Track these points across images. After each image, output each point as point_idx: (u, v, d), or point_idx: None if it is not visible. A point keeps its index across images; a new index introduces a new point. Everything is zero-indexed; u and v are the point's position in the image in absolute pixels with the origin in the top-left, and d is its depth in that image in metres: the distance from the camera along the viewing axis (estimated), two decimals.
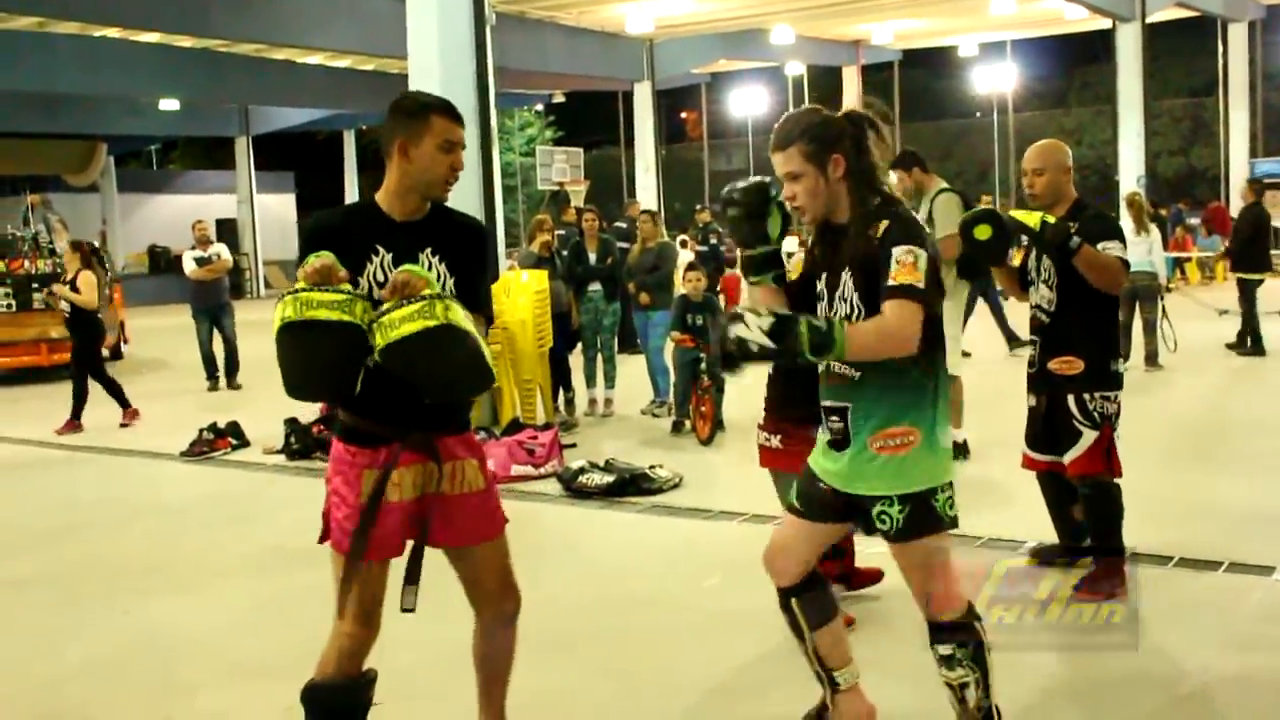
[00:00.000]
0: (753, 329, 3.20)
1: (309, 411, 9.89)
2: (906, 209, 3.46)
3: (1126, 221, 11.60)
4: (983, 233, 4.98)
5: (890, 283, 3.23)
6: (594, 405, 11.15)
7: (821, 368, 3.47)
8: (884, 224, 3.35)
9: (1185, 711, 4.11)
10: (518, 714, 3.86)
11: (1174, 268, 20.95)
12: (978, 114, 45.21)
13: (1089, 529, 5.31)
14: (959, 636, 3.46)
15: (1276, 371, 12.20)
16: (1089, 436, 5.12)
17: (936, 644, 3.49)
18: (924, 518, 3.41)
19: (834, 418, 3.47)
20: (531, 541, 7.00)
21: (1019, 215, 5.11)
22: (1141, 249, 10.74)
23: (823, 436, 3.56)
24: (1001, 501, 7.06)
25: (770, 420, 5.05)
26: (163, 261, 37.40)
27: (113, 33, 24.77)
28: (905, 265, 3.23)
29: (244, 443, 10.05)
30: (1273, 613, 5.15)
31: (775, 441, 4.97)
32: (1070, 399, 5.15)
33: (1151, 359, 11.59)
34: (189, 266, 14.02)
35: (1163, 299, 11.62)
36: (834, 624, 3.70)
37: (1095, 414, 5.11)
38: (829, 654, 3.68)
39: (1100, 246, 5.04)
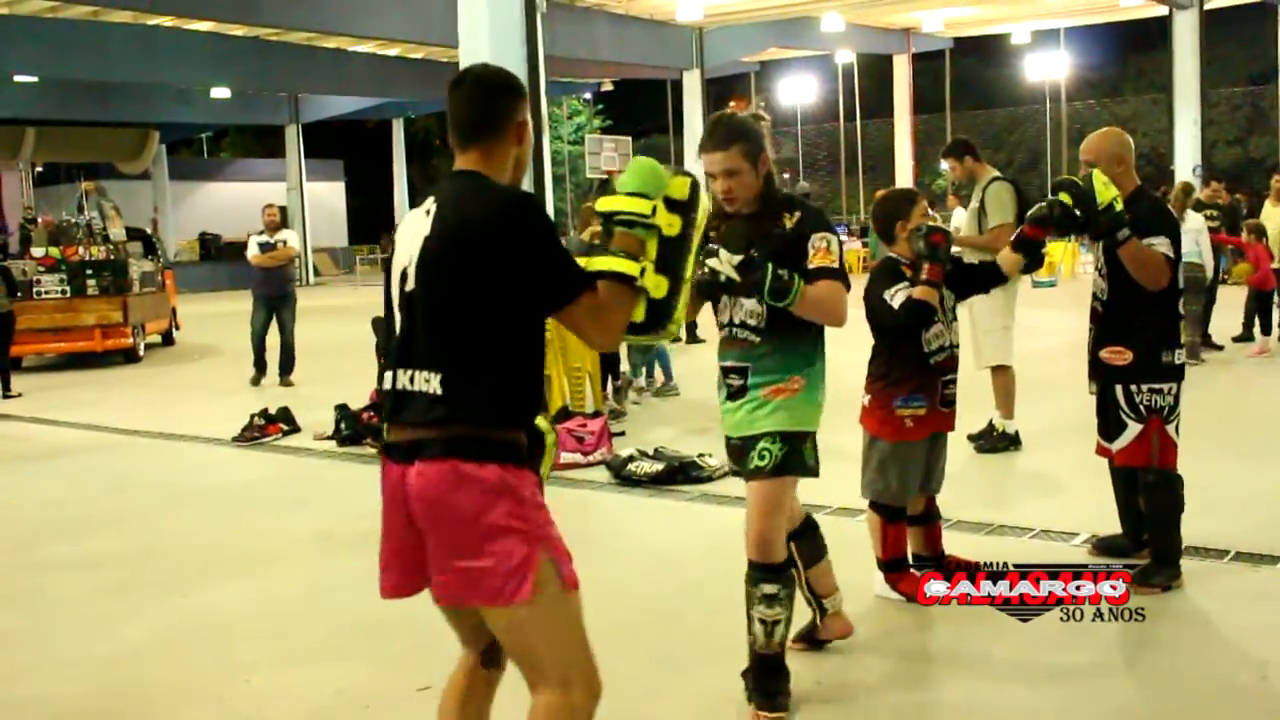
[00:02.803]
0: (723, 262, 3.76)
1: (359, 398, 9.97)
2: (810, 203, 4.11)
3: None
4: (1067, 198, 4.93)
5: (813, 265, 3.84)
6: (642, 391, 11.35)
7: (725, 334, 4.07)
8: (797, 214, 3.93)
9: (1242, 705, 4.06)
10: None
11: (1231, 259, 20.64)
12: (1032, 104, 44.69)
13: (1147, 520, 5.25)
14: (783, 578, 3.96)
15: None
16: (1133, 429, 5.06)
17: (762, 583, 3.94)
18: (795, 459, 3.93)
19: (734, 376, 4.04)
20: (580, 529, 7.03)
21: (1099, 183, 4.95)
22: (1187, 240, 10.67)
23: (721, 393, 4.11)
24: (1053, 492, 7.00)
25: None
26: (213, 248, 37.81)
27: (165, 21, 25.05)
28: (821, 250, 3.85)
29: (295, 428, 10.13)
30: None
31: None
32: (1118, 389, 5.10)
33: (1192, 352, 11.45)
34: (252, 251, 13.25)
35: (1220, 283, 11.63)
36: (823, 562, 4.40)
37: (1141, 406, 5.04)
38: (818, 584, 4.41)
39: (1145, 242, 4.97)
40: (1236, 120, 42.21)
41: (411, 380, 2.77)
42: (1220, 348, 12.67)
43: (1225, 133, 41.04)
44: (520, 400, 2.80)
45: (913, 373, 4.92)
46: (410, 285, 2.80)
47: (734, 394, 4.06)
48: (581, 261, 2.80)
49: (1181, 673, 4.28)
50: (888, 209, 5.10)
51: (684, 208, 2.91)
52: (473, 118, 2.89)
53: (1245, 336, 12.98)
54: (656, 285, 2.83)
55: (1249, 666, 4.32)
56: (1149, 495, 5.15)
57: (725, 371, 4.09)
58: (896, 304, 4.78)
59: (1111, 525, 5.60)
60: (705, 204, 3.01)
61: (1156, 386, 5.04)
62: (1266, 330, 12.73)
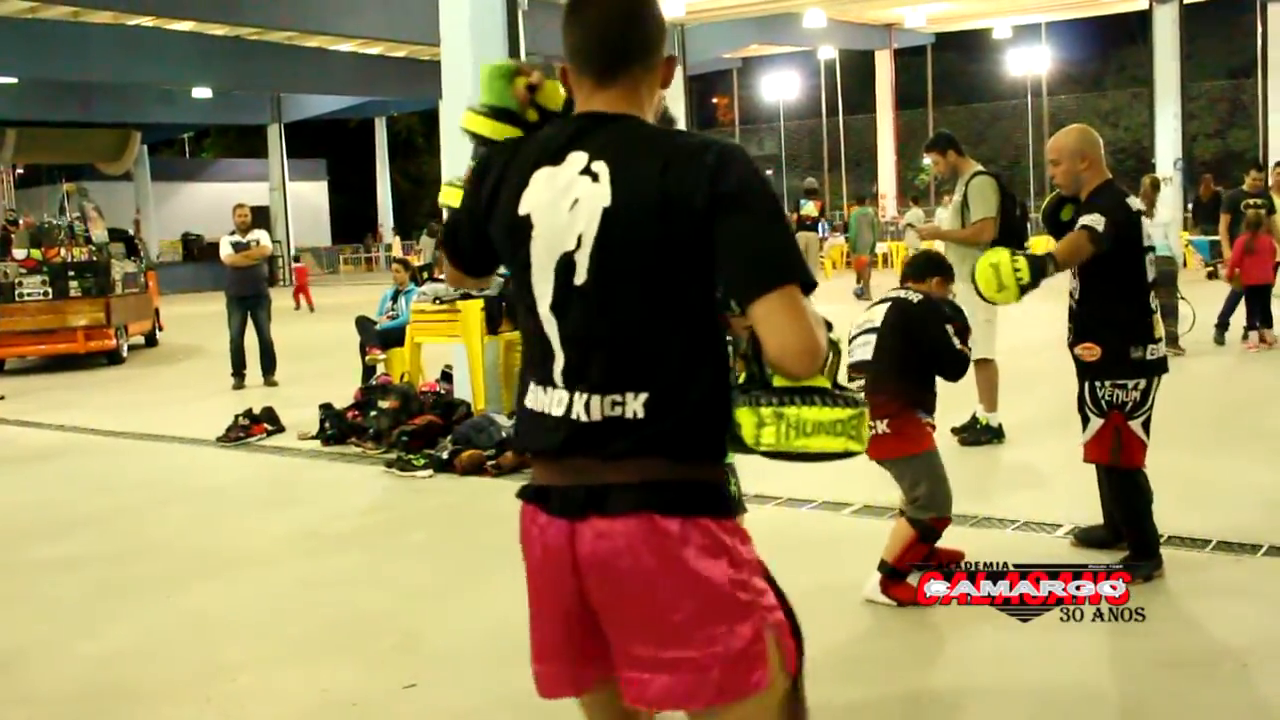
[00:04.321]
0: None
1: (343, 397, 9.96)
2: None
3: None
4: (1067, 214, 5.06)
5: None
6: None
7: None
8: None
9: (1225, 695, 4.09)
10: None
11: (1213, 252, 20.69)
12: (1014, 98, 44.83)
13: (1118, 515, 5.31)
14: None
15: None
16: (1095, 424, 5.14)
17: None
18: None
19: None
20: None
21: (1034, 247, 5.20)
22: (1156, 233, 10.70)
23: None
24: (1036, 484, 7.04)
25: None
26: (196, 249, 37.70)
27: (146, 21, 24.95)
28: None
29: (279, 428, 10.11)
30: None
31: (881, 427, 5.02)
32: (1085, 385, 5.18)
33: (1172, 341, 11.48)
34: (225, 251, 13.16)
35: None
36: None
37: (1103, 401, 5.10)
38: None
39: (1081, 221, 5.04)
40: (1217, 113, 42.40)
41: (588, 407, 2.11)
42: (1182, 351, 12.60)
43: (1205, 126, 41.23)
44: (723, 423, 2.15)
45: (931, 391, 5.11)
46: (581, 277, 2.12)
47: None
48: None
49: (1162, 663, 4.30)
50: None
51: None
52: (620, 42, 2.20)
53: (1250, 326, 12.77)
54: None
55: (1230, 656, 4.35)
56: (1114, 493, 5.25)
57: None
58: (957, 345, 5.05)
59: (1094, 517, 5.64)
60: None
61: (1121, 382, 5.08)
62: (1269, 323, 12.53)
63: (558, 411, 2.15)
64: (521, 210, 2.17)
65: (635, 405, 2.08)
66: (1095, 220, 5.03)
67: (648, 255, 2.07)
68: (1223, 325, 12.69)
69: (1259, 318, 12.52)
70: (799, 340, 2.03)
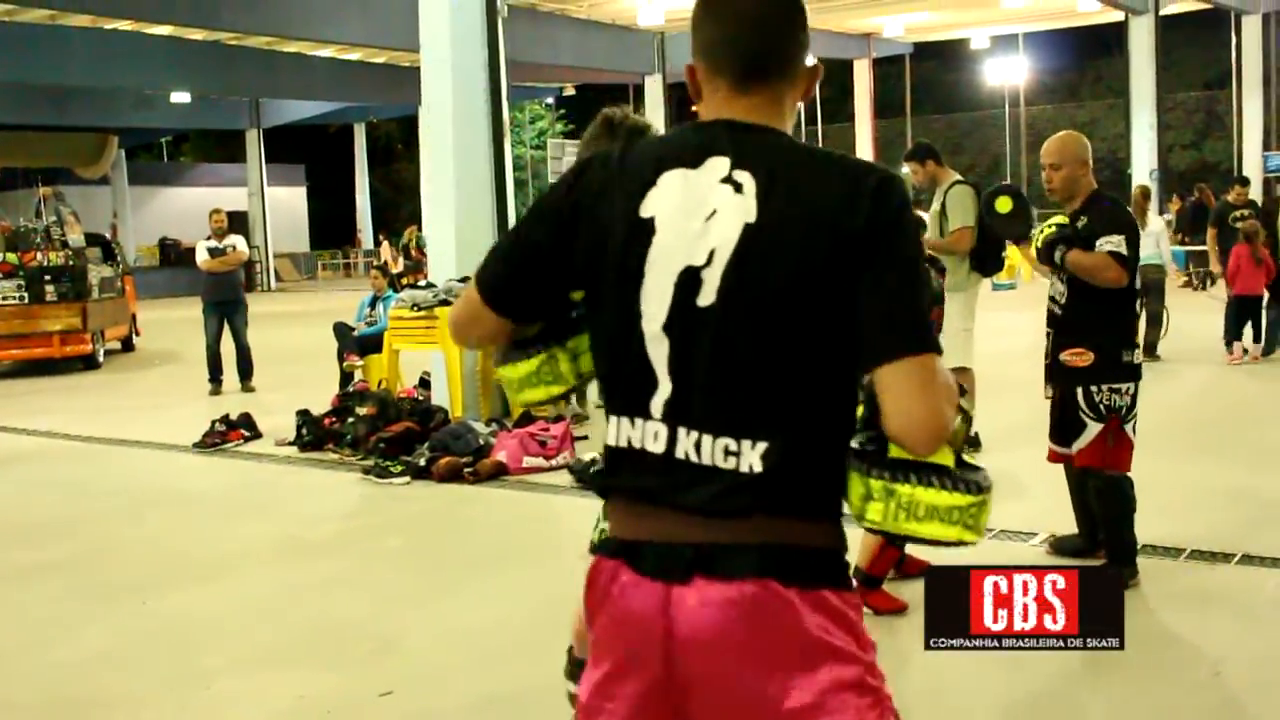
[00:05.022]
0: None
1: (320, 403, 9.94)
2: None
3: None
4: (1004, 205, 5.04)
5: None
6: None
7: None
8: None
9: (1199, 702, 4.12)
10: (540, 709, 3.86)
11: (1186, 261, 20.84)
12: (991, 108, 45.05)
13: (1100, 520, 5.32)
14: None
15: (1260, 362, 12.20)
16: (1093, 429, 5.15)
17: None
18: None
19: None
20: (543, 534, 7.04)
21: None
22: (1148, 242, 10.81)
23: None
24: (1013, 492, 7.04)
25: None
26: (173, 254, 37.56)
27: (124, 25, 24.85)
28: None
29: (256, 434, 10.07)
30: None
31: None
32: (1079, 391, 5.18)
33: (1150, 350, 11.54)
34: (201, 257, 13.05)
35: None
36: None
37: (1101, 406, 5.13)
38: None
39: (1099, 242, 5.06)
40: (1193, 124, 42.72)
41: (698, 447, 1.81)
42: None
43: (1181, 137, 41.51)
44: (843, 482, 1.87)
45: None
46: (708, 297, 1.82)
47: None
48: None
49: (1136, 670, 4.32)
50: None
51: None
52: (773, 40, 1.94)
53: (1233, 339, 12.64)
54: None
55: (1203, 663, 4.38)
56: (1100, 496, 5.24)
57: None
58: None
59: (1069, 525, 5.67)
60: None
61: (1116, 386, 5.12)
62: (1257, 338, 12.46)
63: (656, 448, 1.84)
64: (644, 212, 1.87)
65: (752, 457, 1.78)
66: (1119, 244, 5.06)
67: (789, 281, 1.78)
68: (1235, 336, 12.51)
69: (1241, 331, 12.42)
70: (926, 418, 1.79)
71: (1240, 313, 12.41)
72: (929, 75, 45.66)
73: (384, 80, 31.06)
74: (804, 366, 1.80)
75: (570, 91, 38.67)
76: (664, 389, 1.84)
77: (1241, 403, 10.41)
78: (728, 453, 1.79)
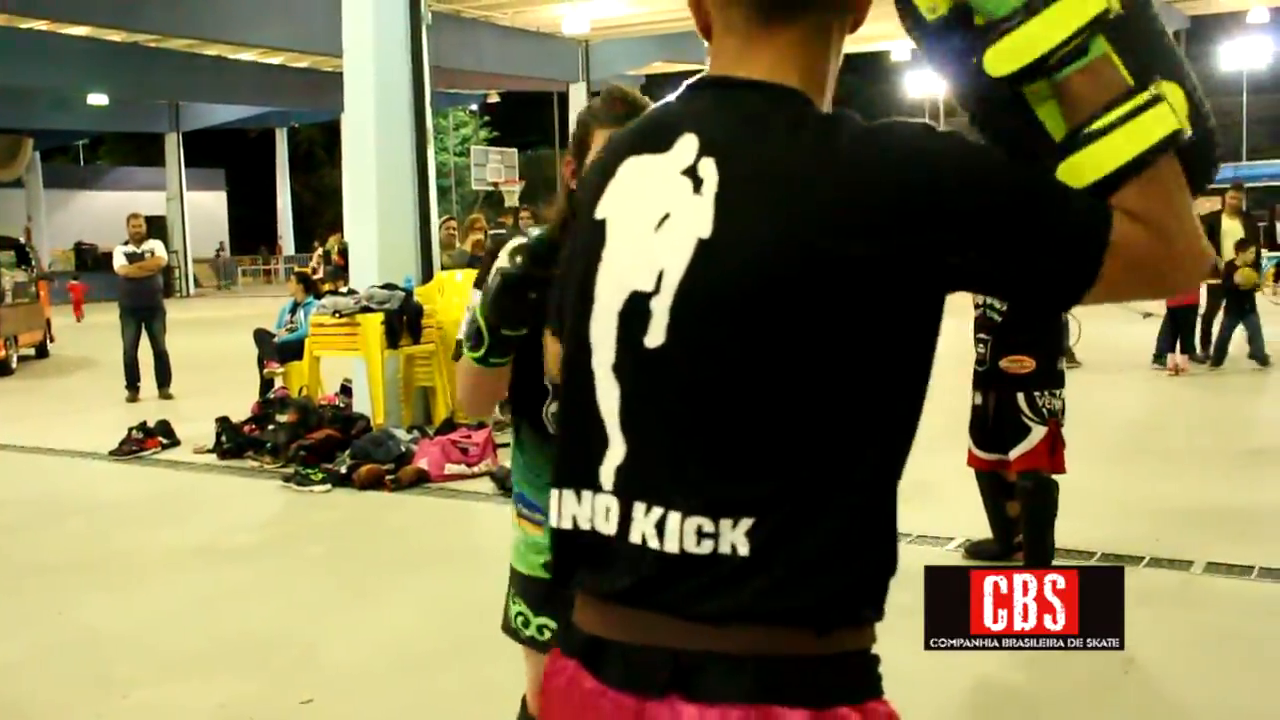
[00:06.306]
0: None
1: (240, 411, 9.86)
2: None
3: None
4: None
5: None
6: None
7: None
8: None
9: (1106, 700, 4.23)
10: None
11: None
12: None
13: (1023, 525, 5.46)
14: None
15: (1204, 372, 12.48)
16: (1038, 432, 5.32)
17: None
18: None
19: None
20: (464, 542, 7.05)
21: None
22: None
23: None
24: (928, 497, 7.15)
25: None
26: (89, 259, 36.93)
27: (40, 25, 24.41)
28: None
29: (174, 442, 9.96)
30: (1192, 604, 5.31)
31: None
32: (1020, 396, 5.34)
33: (1069, 356, 11.76)
34: (119, 262, 12.87)
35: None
36: None
37: (1044, 410, 5.31)
38: None
39: None
40: None
41: (661, 529, 1.32)
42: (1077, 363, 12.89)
43: None
44: (879, 571, 1.35)
45: None
46: (656, 336, 1.33)
47: None
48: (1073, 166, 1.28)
49: (1046, 669, 4.43)
50: None
51: None
52: None
53: (1207, 350, 12.70)
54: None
55: (1113, 662, 4.50)
56: (1030, 497, 5.37)
57: None
58: None
59: (985, 530, 5.79)
60: None
61: (1054, 391, 5.35)
62: (1188, 349, 12.47)
63: (607, 529, 1.37)
64: (599, 213, 1.42)
65: (734, 537, 1.28)
66: None
67: (751, 324, 1.28)
68: (1220, 346, 12.57)
69: (1177, 342, 12.36)
70: (1192, 244, 1.28)
71: (1175, 325, 12.33)
72: (850, 88, 46.24)
73: (306, 85, 30.78)
74: (788, 424, 1.29)
75: (495, 99, 38.58)
76: (615, 450, 1.36)
77: (1166, 413, 10.67)
78: (701, 534, 1.29)
